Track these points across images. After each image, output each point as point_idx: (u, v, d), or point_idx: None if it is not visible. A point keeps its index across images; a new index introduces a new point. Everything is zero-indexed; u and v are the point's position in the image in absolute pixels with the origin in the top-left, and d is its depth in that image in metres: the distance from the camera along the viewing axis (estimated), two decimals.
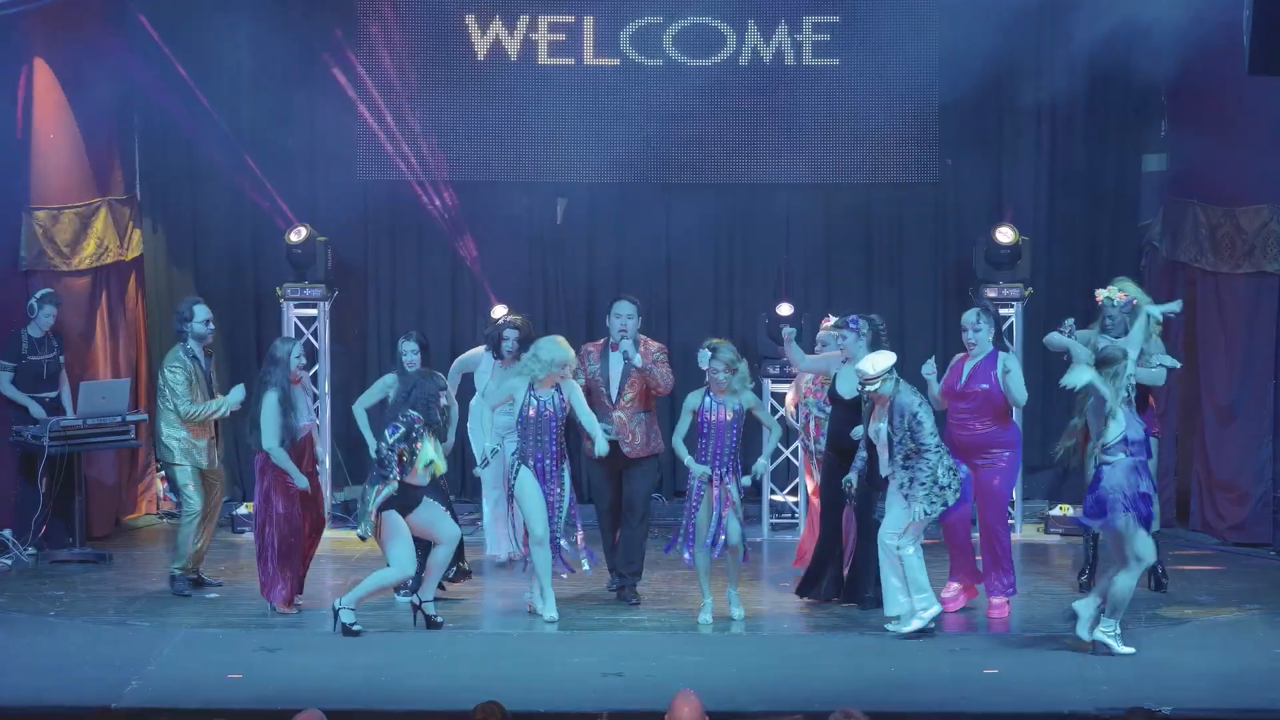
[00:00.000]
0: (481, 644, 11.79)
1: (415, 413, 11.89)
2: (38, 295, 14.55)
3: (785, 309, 15.04)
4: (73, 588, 13.44)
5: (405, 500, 11.86)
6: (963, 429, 12.52)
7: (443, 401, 12.14)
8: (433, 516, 12.08)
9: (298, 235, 15.78)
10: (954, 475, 11.81)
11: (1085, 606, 11.43)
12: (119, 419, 14.58)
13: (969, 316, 12.65)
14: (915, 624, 11.69)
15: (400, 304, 16.48)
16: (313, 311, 15.89)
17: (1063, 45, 15.79)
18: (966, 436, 12.52)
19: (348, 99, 16.20)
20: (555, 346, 12.33)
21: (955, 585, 12.70)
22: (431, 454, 11.87)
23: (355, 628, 11.84)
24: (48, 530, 14.37)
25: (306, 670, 11.10)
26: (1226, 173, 15.08)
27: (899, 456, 11.71)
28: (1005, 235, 15.49)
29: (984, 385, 12.46)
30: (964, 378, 12.50)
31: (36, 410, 14.36)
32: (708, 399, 12.23)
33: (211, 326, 13.44)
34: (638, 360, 12.68)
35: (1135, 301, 12.87)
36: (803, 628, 12.31)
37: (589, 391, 12.58)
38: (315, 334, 15.86)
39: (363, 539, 11.87)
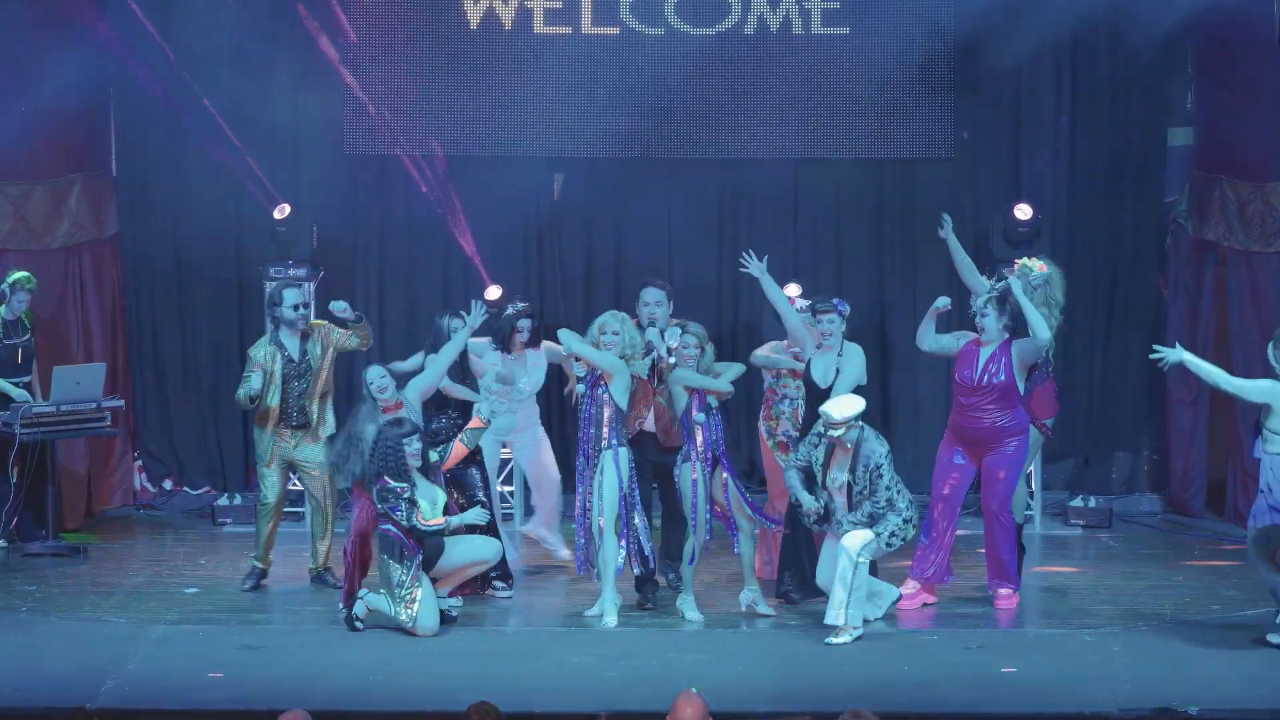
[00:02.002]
0: (476, 642, 11.79)
1: (386, 480, 11.88)
2: (9, 280, 14.53)
3: (793, 289, 14.99)
4: (45, 582, 13.44)
5: (425, 554, 11.95)
6: (974, 422, 12.51)
7: (412, 447, 12.00)
8: (469, 551, 12.21)
9: (282, 212, 15.76)
10: (913, 508, 11.94)
11: None
12: (94, 405, 14.55)
13: (979, 304, 12.64)
14: (845, 637, 11.68)
15: (389, 284, 16.45)
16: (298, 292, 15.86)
17: (1085, 13, 15.76)
18: (974, 429, 12.52)
19: (334, 70, 16.17)
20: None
21: (913, 583, 12.68)
22: (419, 504, 11.94)
23: (357, 624, 11.89)
24: (19, 522, 14.37)
25: (292, 669, 11.11)
26: (1256, 147, 15.06)
27: (861, 511, 11.76)
28: (1024, 212, 15.47)
29: (1000, 378, 12.45)
30: (979, 371, 12.48)
31: (19, 394, 14.35)
32: None
33: (302, 312, 13.30)
34: (662, 350, 12.53)
35: (1050, 280, 12.86)
36: (810, 625, 12.28)
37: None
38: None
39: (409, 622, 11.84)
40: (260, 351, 13.24)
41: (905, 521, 11.86)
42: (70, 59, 15.15)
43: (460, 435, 12.52)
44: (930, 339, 12.71)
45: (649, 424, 12.56)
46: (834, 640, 11.56)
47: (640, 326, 12.64)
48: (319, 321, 13.48)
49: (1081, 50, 16.17)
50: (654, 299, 12.73)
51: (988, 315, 12.54)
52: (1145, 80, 16.17)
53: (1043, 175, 16.28)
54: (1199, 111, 15.96)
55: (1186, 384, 15.73)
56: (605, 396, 12.24)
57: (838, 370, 12.57)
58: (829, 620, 11.61)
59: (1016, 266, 13.20)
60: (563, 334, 12.57)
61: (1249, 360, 15.19)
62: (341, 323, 13.38)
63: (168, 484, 16.69)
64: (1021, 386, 12.60)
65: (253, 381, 13.08)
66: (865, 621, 11.81)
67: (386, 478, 11.87)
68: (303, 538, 13.85)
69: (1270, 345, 11.78)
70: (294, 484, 14.07)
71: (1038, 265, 13.07)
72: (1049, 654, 11.38)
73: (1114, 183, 16.30)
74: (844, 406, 11.86)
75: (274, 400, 13.14)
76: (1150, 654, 11.33)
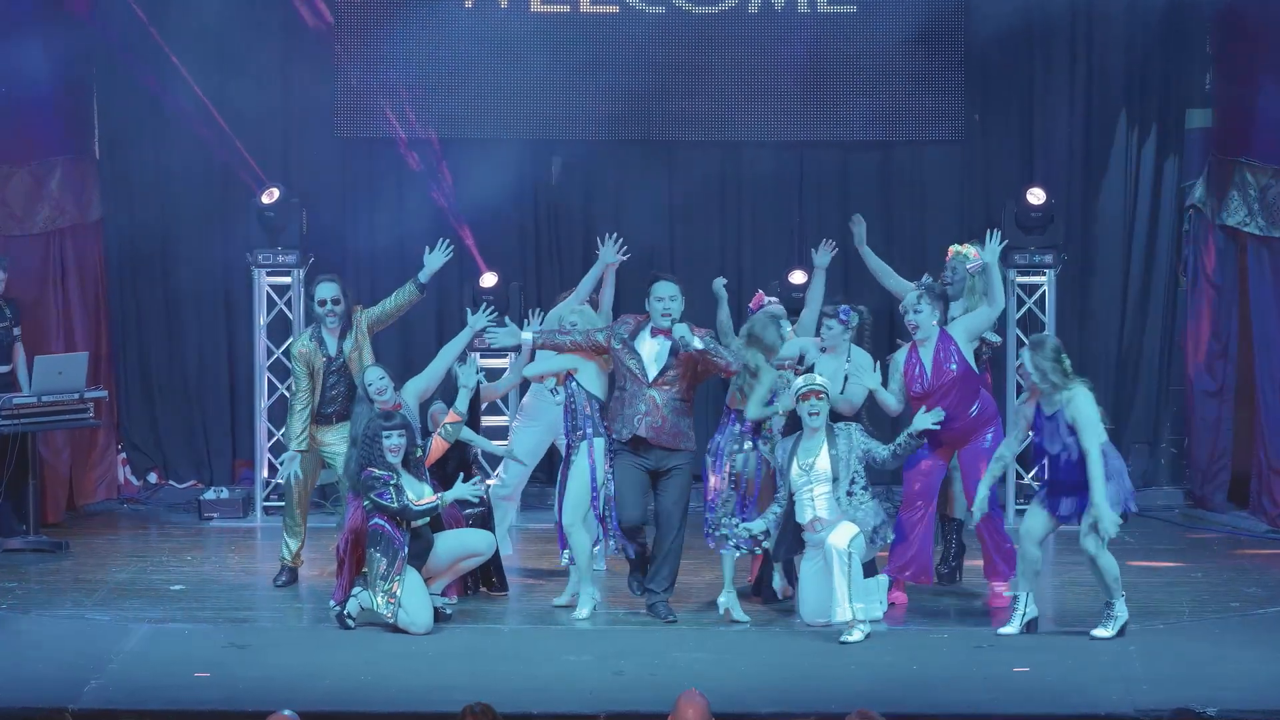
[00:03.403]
0: (471, 641, 11.76)
1: (372, 470, 11.88)
2: None
3: (798, 277, 15.01)
4: (26, 579, 13.42)
5: (414, 551, 11.95)
6: (946, 424, 12.32)
7: (391, 440, 11.93)
8: (460, 543, 12.22)
9: (270, 197, 15.72)
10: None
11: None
12: (76, 396, 14.52)
13: (910, 299, 12.39)
14: (858, 633, 11.63)
15: (381, 270, 16.37)
16: (286, 279, 15.85)
17: None
18: (948, 433, 12.38)
19: (324, 49, 16.14)
20: None
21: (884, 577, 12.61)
22: (406, 491, 11.94)
23: (349, 622, 11.89)
24: None
25: (281, 669, 11.08)
26: (1277, 129, 15.02)
27: (846, 490, 11.82)
28: (1036, 197, 15.46)
29: (952, 366, 12.28)
30: (929, 372, 12.27)
31: None
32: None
33: (330, 307, 13.07)
34: (696, 343, 11.84)
35: (986, 266, 12.74)
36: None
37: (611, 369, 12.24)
38: (289, 304, 15.82)
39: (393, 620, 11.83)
40: (299, 345, 13.21)
41: (889, 518, 11.97)
42: (52, 38, 15.13)
43: (439, 430, 12.49)
44: (896, 401, 12.53)
45: (641, 429, 11.98)
46: (848, 638, 11.52)
47: (649, 321, 12.02)
48: (358, 305, 13.39)
49: (1097, 28, 16.14)
50: (668, 293, 12.02)
51: (921, 311, 12.35)
52: (1162, 60, 16.14)
53: (1056, 158, 16.26)
54: (1218, 92, 15.92)
55: (1211, 373, 15.72)
56: (574, 387, 12.23)
57: (846, 377, 12.47)
58: (838, 618, 11.57)
59: (951, 254, 13.15)
60: (528, 368, 12.70)
61: (1271, 351, 15.17)
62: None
63: (152, 477, 16.68)
64: (974, 365, 12.48)
65: (292, 466, 13.15)
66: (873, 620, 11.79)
67: (371, 468, 11.86)
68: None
69: (1026, 350, 11.68)
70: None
71: (973, 252, 13.02)
72: (1063, 653, 11.33)
73: (1130, 166, 16.29)
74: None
75: (315, 398, 13.11)
76: (1168, 653, 11.30)
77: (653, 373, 11.98)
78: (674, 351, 12.00)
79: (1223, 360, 15.75)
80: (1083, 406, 11.47)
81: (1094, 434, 11.44)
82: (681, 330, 11.92)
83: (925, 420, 12.09)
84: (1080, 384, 11.55)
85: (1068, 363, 11.59)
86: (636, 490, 12.12)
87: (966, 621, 12.26)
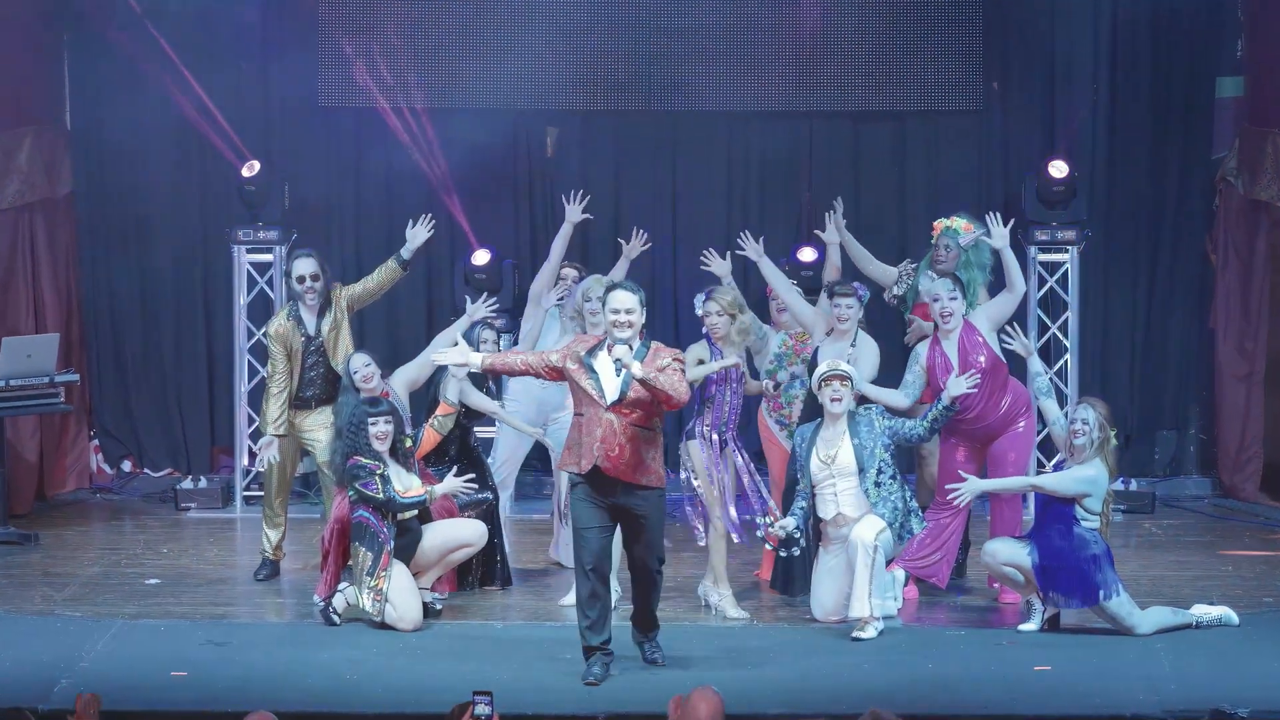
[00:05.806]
0: (463, 638, 11.75)
1: (359, 458, 11.85)
2: None
3: (808, 254, 14.97)
4: None
5: (400, 544, 11.92)
6: (977, 422, 12.32)
7: (378, 427, 11.89)
8: (449, 534, 12.19)
9: (251, 170, 15.69)
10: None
11: None
12: (46, 379, 14.51)
13: (944, 285, 12.33)
14: (871, 630, 11.58)
15: (366, 248, 16.38)
16: (268, 257, 15.83)
17: None
18: (983, 428, 12.36)
19: (307, 14, 16.10)
20: None
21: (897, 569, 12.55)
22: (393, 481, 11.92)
23: (335, 618, 11.88)
24: None
25: (261, 667, 11.06)
26: None
27: (875, 481, 11.75)
28: (1059, 170, 15.42)
29: (980, 358, 12.22)
30: (955, 366, 12.16)
31: None
32: (711, 350, 12.17)
33: (309, 284, 12.98)
34: (636, 370, 10.58)
35: (979, 238, 12.68)
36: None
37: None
38: (270, 283, 15.80)
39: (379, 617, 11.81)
40: (276, 324, 13.11)
41: (910, 512, 11.87)
42: (20, 1, 15.09)
43: (431, 421, 12.46)
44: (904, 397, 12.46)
45: (600, 458, 10.71)
46: (862, 635, 11.49)
47: (602, 341, 10.92)
48: (337, 282, 13.33)
49: None
50: (624, 305, 10.70)
51: (956, 298, 12.28)
52: (1191, 26, 16.11)
53: (1080, 129, 16.24)
54: (1250, 59, 15.89)
55: (1242, 356, 15.69)
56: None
57: (850, 361, 12.40)
58: (854, 614, 11.54)
59: (940, 229, 13.10)
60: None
61: None
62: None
63: (126, 465, 16.68)
64: (1001, 354, 12.42)
65: (270, 451, 13.08)
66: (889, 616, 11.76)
67: (358, 456, 11.83)
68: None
69: (1087, 408, 11.63)
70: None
71: (964, 225, 12.99)
72: (1087, 651, 11.33)
73: (1157, 137, 16.28)
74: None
75: (293, 380, 13.05)
76: (1197, 651, 11.28)
77: (612, 395, 10.71)
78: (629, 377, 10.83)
79: (1253, 342, 15.73)
80: (1088, 468, 11.54)
81: (1065, 482, 11.55)
82: (620, 352, 10.69)
83: (960, 385, 11.93)
84: (1102, 463, 11.59)
85: (1112, 435, 11.63)
86: (597, 530, 10.86)
87: (985, 618, 12.24)
